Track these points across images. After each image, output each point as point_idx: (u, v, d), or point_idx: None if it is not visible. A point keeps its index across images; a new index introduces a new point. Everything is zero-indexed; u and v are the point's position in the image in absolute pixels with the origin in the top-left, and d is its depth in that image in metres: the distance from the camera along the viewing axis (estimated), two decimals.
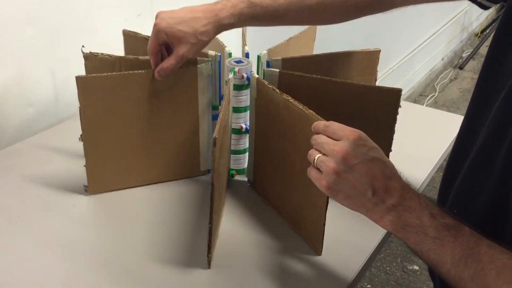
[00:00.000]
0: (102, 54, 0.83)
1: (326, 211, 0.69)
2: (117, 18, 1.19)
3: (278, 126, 0.77)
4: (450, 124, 1.11)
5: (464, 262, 0.51)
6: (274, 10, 0.78)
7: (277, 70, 0.83)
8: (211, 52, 0.87)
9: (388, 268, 1.94)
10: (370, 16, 0.83)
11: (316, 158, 0.60)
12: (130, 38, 0.95)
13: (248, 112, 0.87)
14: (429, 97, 3.16)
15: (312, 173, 0.61)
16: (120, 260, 0.73)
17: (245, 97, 0.86)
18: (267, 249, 0.75)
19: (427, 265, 0.56)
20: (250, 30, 0.94)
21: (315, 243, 0.75)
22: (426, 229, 0.54)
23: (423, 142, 1.03)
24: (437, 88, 3.26)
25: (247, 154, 0.91)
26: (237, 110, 0.86)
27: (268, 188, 0.85)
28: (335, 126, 0.61)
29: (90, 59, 0.83)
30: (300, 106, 0.70)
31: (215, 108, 0.89)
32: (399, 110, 0.79)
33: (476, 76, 3.33)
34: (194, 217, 0.82)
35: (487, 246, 0.52)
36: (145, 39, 0.88)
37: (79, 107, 0.77)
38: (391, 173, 0.58)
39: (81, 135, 0.81)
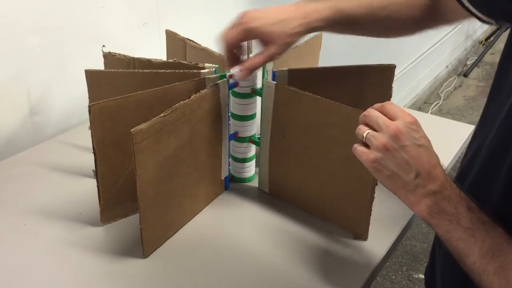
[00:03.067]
0: (119, 54, 0.88)
1: (373, 197, 0.74)
2: (123, 26, 1.20)
3: (305, 125, 0.79)
4: (455, 132, 1.11)
5: (491, 255, 0.52)
6: (355, 19, 0.80)
7: (274, 82, 0.81)
8: (208, 65, 0.85)
9: (393, 277, 1.92)
10: None
11: (366, 133, 0.60)
12: (170, 38, 1.02)
13: (253, 120, 0.88)
14: (433, 104, 3.16)
15: (358, 148, 0.61)
16: (127, 268, 0.73)
17: (251, 105, 0.86)
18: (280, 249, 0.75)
19: (453, 255, 0.57)
20: None
21: (360, 231, 0.78)
22: (460, 218, 0.55)
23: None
24: (442, 96, 3.25)
25: (253, 161, 0.92)
26: (243, 118, 0.86)
27: (295, 190, 0.85)
28: (393, 106, 0.61)
29: (108, 58, 0.89)
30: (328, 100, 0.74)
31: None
32: None
33: (481, 84, 3.33)
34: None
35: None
36: (182, 40, 0.96)
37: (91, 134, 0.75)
38: (436, 163, 0.58)
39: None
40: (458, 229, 0.55)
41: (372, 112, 0.61)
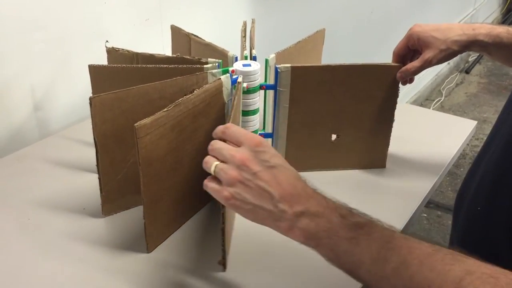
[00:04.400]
0: (122, 49, 0.88)
1: (391, 129, 0.90)
2: (126, 22, 1.20)
3: (322, 97, 0.87)
4: (458, 128, 1.11)
5: (383, 258, 0.49)
6: None
7: (289, 65, 0.84)
8: (211, 60, 0.86)
9: None
10: (376, 20, 0.85)
11: (214, 166, 0.56)
12: (175, 33, 1.03)
13: (256, 115, 0.88)
14: (435, 101, 3.16)
15: (210, 185, 0.56)
16: (131, 263, 0.73)
17: (254, 100, 0.86)
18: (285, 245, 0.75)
19: (345, 272, 0.52)
20: (258, 34, 0.94)
21: (380, 161, 0.94)
22: (338, 231, 0.51)
23: (431, 146, 1.03)
24: (444, 93, 3.25)
25: None
26: (246, 113, 0.87)
27: (311, 157, 0.93)
28: (234, 129, 0.57)
29: (112, 53, 0.89)
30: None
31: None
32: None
33: (482, 80, 3.33)
34: (204, 219, 0.82)
35: (403, 238, 0.50)
36: (186, 35, 0.98)
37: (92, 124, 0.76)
38: (296, 180, 0.55)
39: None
40: (341, 242, 0.51)
41: (215, 144, 0.57)
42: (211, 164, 0.56)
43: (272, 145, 0.91)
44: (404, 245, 0.49)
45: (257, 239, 0.77)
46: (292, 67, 0.83)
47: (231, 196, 0.54)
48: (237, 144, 0.56)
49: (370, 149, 0.93)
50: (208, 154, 0.58)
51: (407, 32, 0.84)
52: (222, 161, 0.56)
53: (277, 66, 0.84)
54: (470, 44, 0.80)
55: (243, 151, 0.55)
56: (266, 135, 0.92)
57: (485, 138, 0.81)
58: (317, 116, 0.89)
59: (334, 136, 0.91)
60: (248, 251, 0.75)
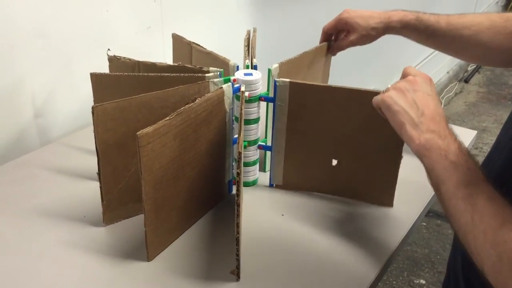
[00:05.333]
0: (124, 57, 0.89)
1: (399, 166, 0.83)
2: (127, 30, 1.20)
3: (320, 117, 0.84)
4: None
5: (465, 185, 0.56)
6: (433, 30, 0.94)
7: (288, 80, 0.82)
8: (212, 69, 0.86)
9: (394, 282, 1.92)
10: None
11: (386, 88, 0.68)
12: (177, 42, 1.03)
13: (257, 124, 0.88)
14: None
15: (376, 96, 0.68)
16: (131, 271, 0.73)
17: (255, 109, 0.86)
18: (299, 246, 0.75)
19: (432, 187, 0.61)
20: (259, 43, 0.95)
21: (386, 200, 0.87)
22: (449, 153, 0.60)
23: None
24: (443, 102, 3.26)
25: (257, 165, 0.92)
26: (247, 122, 0.87)
27: (310, 179, 0.90)
28: (412, 68, 0.69)
29: (113, 61, 0.90)
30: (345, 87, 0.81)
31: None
32: None
33: (481, 90, 3.33)
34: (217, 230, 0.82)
35: (493, 187, 0.56)
36: (188, 44, 0.98)
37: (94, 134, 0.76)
38: (441, 113, 0.65)
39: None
40: (445, 161, 0.59)
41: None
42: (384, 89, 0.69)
43: (271, 160, 0.90)
44: (489, 187, 0.56)
45: (262, 247, 0.77)
46: (290, 82, 0.82)
47: (389, 95, 0.66)
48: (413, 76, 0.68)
49: (373, 183, 0.87)
50: None
51: (337, 15, 1.01)
52: None
53: (276, 79, 0.83)
54: (386, 30, 0.98)
55: (416, 76, 0.67)
56: (265, 147, 0.91)
57: (484, 148, 0.84)
58: (317, 136, 0.85)
59: (335, 161, 0.87)
60: (255, 260, 0.75)
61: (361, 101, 0.79)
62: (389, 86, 0.68)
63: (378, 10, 0.98)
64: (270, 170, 0.91)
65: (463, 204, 0.55)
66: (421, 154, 0.62)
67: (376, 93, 0.73)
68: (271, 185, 0.92)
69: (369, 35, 0.98)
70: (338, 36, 1.04)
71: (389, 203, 0.87)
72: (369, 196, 0.88)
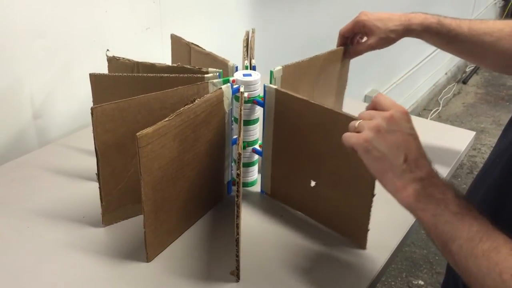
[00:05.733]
0: (123, 58, 0.89)
1: (371, 205, 0.72)
2: (126, 31, 1.20)
3: (302, 131, 0.79)
4: (456, 139, 1.11)
5: (479, 238, 0.52)
6: (455, 35, 0.91)
7: (274, 87, 0.80)
8: (212, 69, 0.86)
9: (393, 283, 1.93)
10: None
11: (358, 122, 0.61)
12: (175, 43, 1.03)
13: (256, 125, 0.88)
14: (432, 111, 3.17)
15: (347, 134, 0.61)
16: (130, 272, 0.73)
17: (254, 110, 0.86)
18: (293, 254, 0.75)
19: (437, 243, 0.56)
20: (258, 44, 0.95)
21: (359, 239, 0.77)
22: (448, 203, 0.55)
23: (430, 157, 1.03)
24: (441, 103, 3.27)
25: (256, 166, 0.92)
26: (246, 123, 0.87)
27: (294, 194, 0.85)
28: (385, 98, 0.62)
29: (112, 62, 0.89)
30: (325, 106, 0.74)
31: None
32: None
33: (480, 91, 3.34)
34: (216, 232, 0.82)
35: (502, 232, 0.53)
36: (186, 44, 0.97)
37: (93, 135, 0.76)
38: (424, 154, 0.59)
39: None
40: (446, 213, 0.54)
41: (367, 112, 0.62)
42: (355, 123, 0.61)
43: (261, 166, 0.88)
44: (503, 235, 0.52)
45: (261, 248, 0.78)
46: (276, 89, 0.79)
47: (367, 139, 0.58)
48: (387, 109, 0.60)
49: (348, 215, 0.78)
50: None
51: (355, 18, 0.97)
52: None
53: (264, 84, 0.81)
54: (405, 33, 0.94)
55: (391, 112, 0.59)
56: (257, 151, 0.90)
57: (482, 149, 0.83)
58: (299, 150, 0.81)
59: (313, 183, 0.81)
60: (255, 261, 0.75)
61: (336, 123, 0.72)
62: (361, 117, 0.62)
63: (378, 10, 0.97)
64: (261, 177, 0.90)
65: (485, 262, 0.51)
66: (413, 207, 0.57)
67: (351, 118, 0.67)
68: (262, 192, 0.91)
69: (388, 38, 0.95)
70: (353, 39, 1.02)
71: (361, 245, 0.78)
72: (342, 227, 0.80)
